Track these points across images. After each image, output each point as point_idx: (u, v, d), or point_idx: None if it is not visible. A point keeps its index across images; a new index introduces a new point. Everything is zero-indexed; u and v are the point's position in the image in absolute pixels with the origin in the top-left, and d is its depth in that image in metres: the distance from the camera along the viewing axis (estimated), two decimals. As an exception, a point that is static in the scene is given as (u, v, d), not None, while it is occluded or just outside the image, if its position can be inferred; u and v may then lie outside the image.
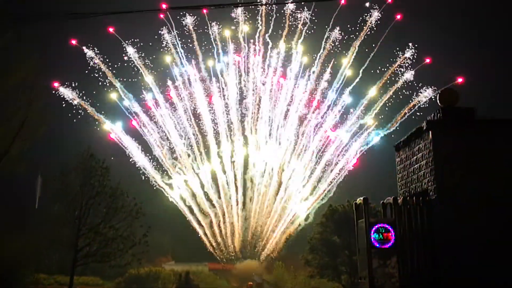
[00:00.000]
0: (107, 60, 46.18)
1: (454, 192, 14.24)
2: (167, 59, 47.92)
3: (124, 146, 43.94)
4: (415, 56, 45.67)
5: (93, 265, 39.32)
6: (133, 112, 46.71)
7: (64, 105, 42.76)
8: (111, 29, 42.27)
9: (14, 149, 33.73)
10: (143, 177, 43.11)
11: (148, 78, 46.06)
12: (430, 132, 14.95)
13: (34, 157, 37.53)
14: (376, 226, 14.50)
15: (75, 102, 43.16)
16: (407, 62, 46.38)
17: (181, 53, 49.56)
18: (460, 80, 44.19)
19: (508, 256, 13.66)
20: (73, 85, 43.83)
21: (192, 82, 52.27)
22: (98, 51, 45.40)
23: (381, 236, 14.45)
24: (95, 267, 40.10)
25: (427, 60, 46.40)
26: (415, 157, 16.05)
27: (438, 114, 15.86)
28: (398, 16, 45.07)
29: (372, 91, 46.28)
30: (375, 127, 47.31)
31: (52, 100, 41.42)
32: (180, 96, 51.42)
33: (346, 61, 49.71)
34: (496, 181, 14.21)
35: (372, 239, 14.46)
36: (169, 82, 52.10)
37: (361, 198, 15.52)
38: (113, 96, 44.42)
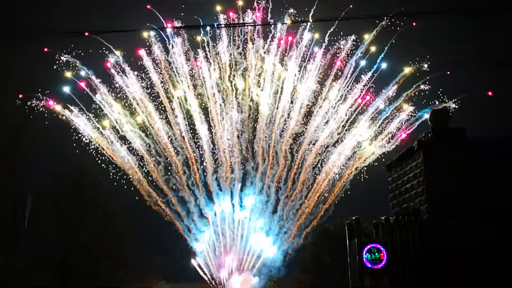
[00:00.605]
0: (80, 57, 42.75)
1: (446, 212, 14.28)
2: (145, 34, 43.06)
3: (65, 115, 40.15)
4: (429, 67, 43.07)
5: (83, 284, 38.81)
6: (88, 78, 41.75)
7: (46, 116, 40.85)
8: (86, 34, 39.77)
9: (6, 165, 33.53)
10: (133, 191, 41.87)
11: (117, 52, 41.85)
12: (421, 152, 15.05)
13: (25, 173, 37.21)
14: (368, 246, 14.48)
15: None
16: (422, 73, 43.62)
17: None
18: (490, 93, 42.73)
19: (501, 274, 13.66)
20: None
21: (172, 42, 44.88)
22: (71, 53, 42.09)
23: (373, 256, 14.42)
24: (86, 286, 39.56)
25: (448, 72, 44.49)
26: (406, 177, 16.12)
27: (429, 134, 16.00)
28: (413, 23, 42.55)
29: (407, 69, 42.60)
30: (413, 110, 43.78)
31: (45, 117, 40.76)
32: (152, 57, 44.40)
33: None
34: (487, 200, 14.28)
35: (364, 259, 14.42)
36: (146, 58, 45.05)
37: (353, 218, 15.53)
38: (68, 74, 41.03)
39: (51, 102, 38.60)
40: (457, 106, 40.51)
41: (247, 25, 43.27)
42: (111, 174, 40.02)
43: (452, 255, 13.84)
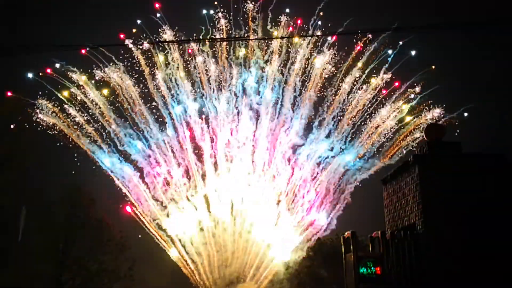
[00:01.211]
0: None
1: (441, 226, 14.26)
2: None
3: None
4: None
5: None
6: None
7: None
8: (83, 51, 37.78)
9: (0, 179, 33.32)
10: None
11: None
12: (417, 166, 15.07)
13: (18, 187, 36.95)
14: (364, 261, 14.43)
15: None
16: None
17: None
18: None
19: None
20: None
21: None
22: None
23: (369, 270, 14.36)
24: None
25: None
26: (402, 191, 16.11)
27: (425, 148, 16.05)
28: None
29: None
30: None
31: (38, 130, 40.35)
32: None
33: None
34: (483, 215, 14.28)
35: (360, 274, 14.37)
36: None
37: (349, 232, 15.50)
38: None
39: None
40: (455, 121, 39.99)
41: (247, 40, 41.79)
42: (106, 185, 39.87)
43: (448, 270, 13.79)
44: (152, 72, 41.09)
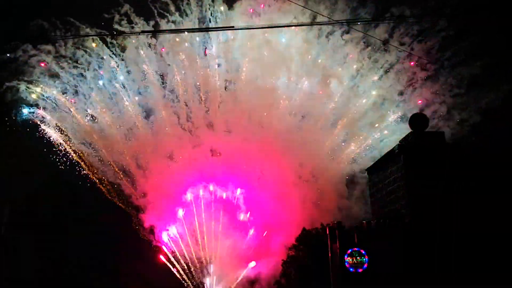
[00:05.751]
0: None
1: (427, 216, 14.32)
2: None
3: None
4: None
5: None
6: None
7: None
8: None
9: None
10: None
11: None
12: (402, 156, 15.11)
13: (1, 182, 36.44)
14: (350, 250, 14.46)
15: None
16: None
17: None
18: None
19: (483, 278, 13.73)
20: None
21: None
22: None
23: (355, 260, 14.39)
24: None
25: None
26: (387, 181, 16.16)
27: (410, 138, 16.11)
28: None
29: None
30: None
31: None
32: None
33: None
34: (468, 204, 14.36)
35: (346, 263, 14.39)
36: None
37: (335, 222, 15.54)
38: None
39: None
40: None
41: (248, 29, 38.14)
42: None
43: (434, 259, 13.88)
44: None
